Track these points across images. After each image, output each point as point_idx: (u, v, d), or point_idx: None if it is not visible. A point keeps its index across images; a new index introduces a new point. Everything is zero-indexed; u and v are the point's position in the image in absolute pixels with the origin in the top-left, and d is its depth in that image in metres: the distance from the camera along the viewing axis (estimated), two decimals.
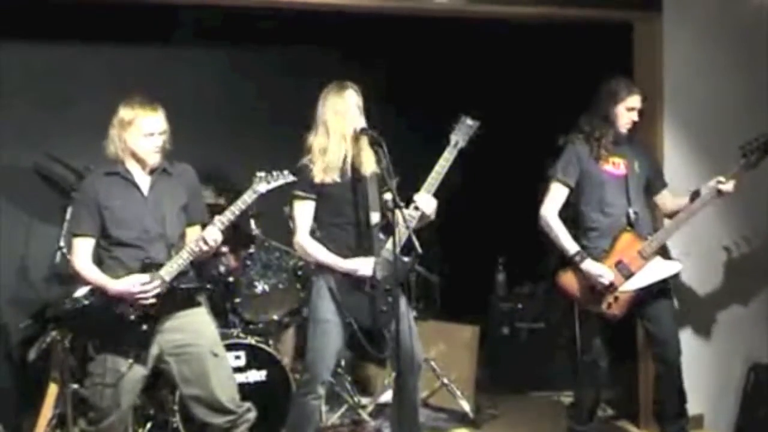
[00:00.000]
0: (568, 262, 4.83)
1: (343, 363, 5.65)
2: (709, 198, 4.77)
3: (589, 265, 4.77)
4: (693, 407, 5.30)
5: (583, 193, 4.88)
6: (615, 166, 4.85)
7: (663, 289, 4.89)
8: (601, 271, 4.75)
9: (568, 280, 4.88)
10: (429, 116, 4.77)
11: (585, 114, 4.94)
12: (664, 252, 4.89)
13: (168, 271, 4.15)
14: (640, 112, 4.86)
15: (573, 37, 6.23)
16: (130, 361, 4.12)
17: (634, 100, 4.83)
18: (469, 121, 4.52)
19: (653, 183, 5.01)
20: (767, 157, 4.77)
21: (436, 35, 6.46)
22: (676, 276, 5.01)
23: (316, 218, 4.51)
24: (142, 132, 4.20)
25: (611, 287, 4.77)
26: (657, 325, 4.90)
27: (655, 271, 4.80)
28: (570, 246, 4.81)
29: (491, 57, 6.82)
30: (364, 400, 5.84)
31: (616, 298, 4.81)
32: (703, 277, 5.56)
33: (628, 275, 4.78)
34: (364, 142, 4.47)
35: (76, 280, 4.28)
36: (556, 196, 4.89)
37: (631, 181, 4.85)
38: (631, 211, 4.82)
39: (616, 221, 4.82)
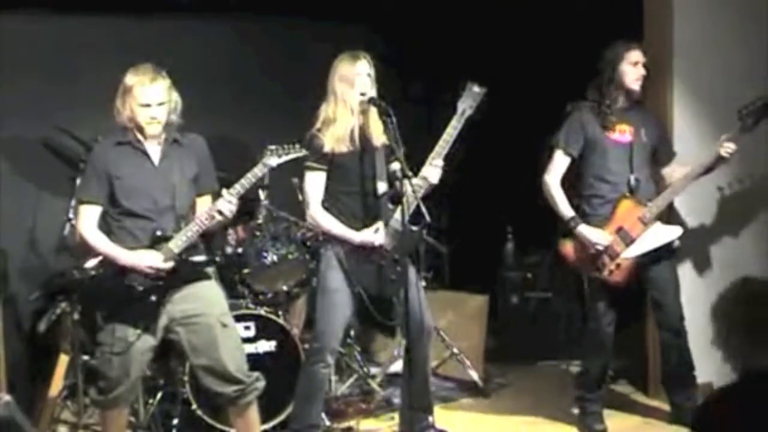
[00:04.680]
0: (565, 228, 4.88)
1: (352, 333, 5.66)
2: (708, 162, 4.78)
3: (583, 230, 4.81)
4: (702, 375, 5.30)
5: (586, 161, 4.91)
6: (621, 133, 4.87)
7: (665, 254, 4.90)
8: (596, 237, 4.79)
9: (569, 248, 4.94)
10: (436, 85, 4.74)
11: (591, 84, 4.93)
12: (673, 216, 4.89)
13: (177, 244, 4.14)
14: (645, 66, 4.86)
15: (583, 3, 6.19)
16: (139, 331, 4.13)
17: (636, 54, 4.85)
18: (476, 89, 4.50)
19: (661, 153, 5.01)
20: (764, 120, 4.77)
21: (444, 2, 6.43)
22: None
23: (325, 188, 4.51)
24: (137, 101, 4.17)
25: (613, 254, 4.80)
26: (659, 291, 4.94)
27: (655, 237, 4.83)
28: (567, 212, 4.87)
29: (501, 24, 6.77)
30: (374, 370, 5.86)
31: (618, 265, 4.83)
32: (713, 245, 5.55)
33: (629, 242, 4.81)
34: (373, 112, 4.46)
35: (83, 248, 4.28)
36: (558, 164, 4.93)
37: (636, 148, 4.86)
38: (632, 177, 4.84)
39: (618, 188, 4.84)
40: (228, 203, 4.16)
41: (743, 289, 2.78)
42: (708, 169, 4.82)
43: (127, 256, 4.13)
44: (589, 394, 5.09)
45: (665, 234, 4.85)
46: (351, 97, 4.42)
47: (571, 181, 4.95)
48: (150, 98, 4.17)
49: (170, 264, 4.14)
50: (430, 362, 4.78)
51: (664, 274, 4.93)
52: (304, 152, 4.39)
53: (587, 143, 4.88)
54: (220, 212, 4.15)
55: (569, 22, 6.48)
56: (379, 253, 4.45)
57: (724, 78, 5.44)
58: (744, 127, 4.75)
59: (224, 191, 4.20)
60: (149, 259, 4.12)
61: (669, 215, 5.17)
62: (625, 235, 4.80)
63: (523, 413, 5.44)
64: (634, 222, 4.80)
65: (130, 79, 4.19)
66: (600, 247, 4.79)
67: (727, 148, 4.71)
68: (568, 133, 4.91)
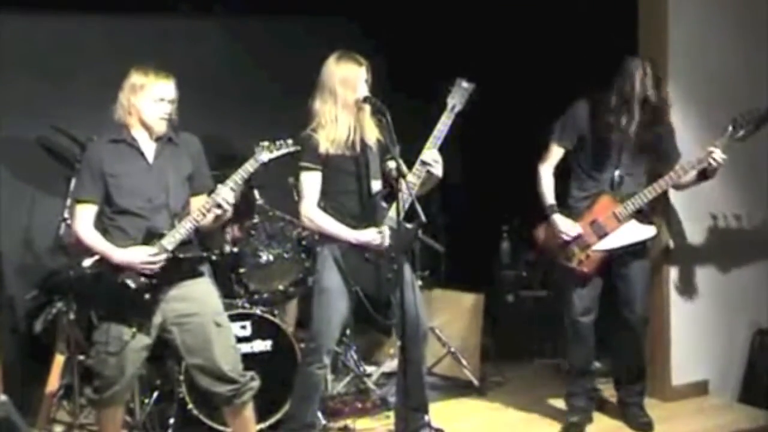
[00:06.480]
0: (542, 214, 4.99)
1: (348, 332, 5.66)
2: (691, 167, 4.74)
3: (556, 218, 4.91)
4: (698, 373, 5.32)
5: (576, 154, 4.97)
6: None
7: (638, 251, 4.94)
8: (565, 226, 4.88)
9: (542, 234, 5.05)
10: (431, 81, 4.74)
11: (611, 89, 4.83)
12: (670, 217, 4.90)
13: (170, 241, 4.14)
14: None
15: (580, 2, 6.19)
16: (133, 329, 4.13)
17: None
18: (465, 84, 4.50)
19: (665, 153, 4.93)
20: (756, 133, 4.74)
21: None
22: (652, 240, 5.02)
23: (321, 189, 4.50)
24: (152, 97, 4.18)
25: (583, 244, 4.87)
26: (626, 285, 4.97)
27: (628, 234, 4.86)
28: (548, 199, 4.98)
29: (498, 22, 6.76)
30: (370, 369, 5.86)
31: (587, 256, 4.89)
32: (708, 243, 5.56)
33: (602, 235, 4.85)
34: (366, 111, 4.46)
35: (79, 248, 4.28)
36: (552, 155, 5.03)
37: (626, 144, 4.83)
38: (616, 173, 4.86)
39: (601, 184, 4.90)
40: (223, 197, 4.15)
41: None
42: (701, 176, 4.79)
43: (119, 254, 4.13)
44: (575, 388, 5.14)
45: (638, 233, 4.87)
46: (352, 100, 4.42)
47: (561, 172, 5.03)
48: (165, 94, 4.20)
49: (162, 257, 4.14)
50: (425, 362, 4.79)
51: (634, 270, 4.96)
52: (295, 147, 4.39)
53: (580, 137, 4.93)
54: (219, 206, 4.15)
55: (565, 21, 6.48)
56: (376, 252, 4.45)
57: (720, 81, 5.43)
58: (734, 136, 4.71)
59: (218, 186, 4.21)
60: (141, 255, 4.13)
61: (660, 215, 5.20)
62: (599, 228, 4.85)
63: (519, 411, 5.45)
64: (609, 217, 4.84)
65: (140, 77, 4.19)
66: (566, 237, 4.87)
67: (716, 156, 4.67)
68: (563, 126, 4.99)
